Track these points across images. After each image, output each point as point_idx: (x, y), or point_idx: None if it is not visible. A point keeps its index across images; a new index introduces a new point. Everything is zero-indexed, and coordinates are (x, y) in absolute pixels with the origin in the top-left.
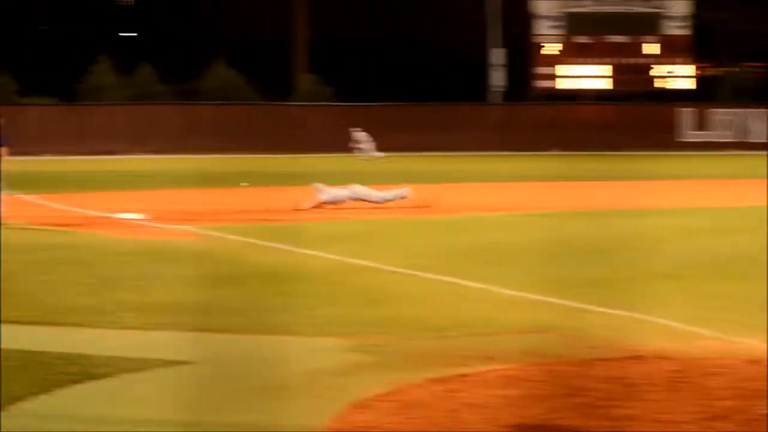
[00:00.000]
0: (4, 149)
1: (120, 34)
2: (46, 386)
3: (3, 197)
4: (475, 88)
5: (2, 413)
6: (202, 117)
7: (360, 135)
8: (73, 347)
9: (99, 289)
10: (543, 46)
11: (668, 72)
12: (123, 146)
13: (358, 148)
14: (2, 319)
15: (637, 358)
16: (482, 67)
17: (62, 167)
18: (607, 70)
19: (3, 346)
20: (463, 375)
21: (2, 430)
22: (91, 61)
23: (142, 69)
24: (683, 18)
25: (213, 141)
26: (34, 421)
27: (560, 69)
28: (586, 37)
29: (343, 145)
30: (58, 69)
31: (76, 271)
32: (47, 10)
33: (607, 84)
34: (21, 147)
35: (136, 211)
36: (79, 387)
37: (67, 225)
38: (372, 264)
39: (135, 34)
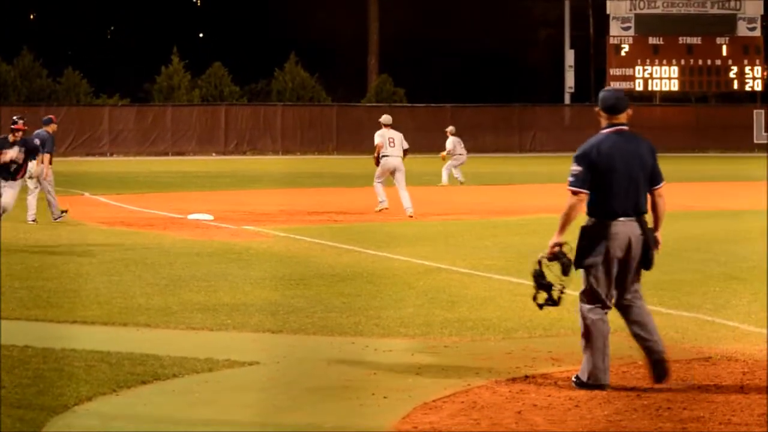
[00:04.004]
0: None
1: (192, 34)
2: (114, 386)
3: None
4: (546, 90)
5: (70, 413)
6: (273, 117)
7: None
8: (142, 348)
9: (167, 289)
10: (621, 47)
11: (744, 73)
12: (193, 147)
13: None
14: (71, 319)
15: (705, 360)
16: (557, 68)
17: (133, 168)
18: (681, 71)
19: (70, 347)
20: (530, 376)
21: (72, 429)
22: (163, 62)
23: (213, 70)
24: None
25: (283, 141)
26: (102, 421)
27: (635, 70)
28: (660, 38)
29: (419, 146)
30: (130, 70)
31: (145, 271)
32: (119, 12)
33: (681, 85)
34: (93, 147)
35: (205, 212)
36: (147, 387)
37: (137, 226)
38: (440, 265)
39: (207, 35)
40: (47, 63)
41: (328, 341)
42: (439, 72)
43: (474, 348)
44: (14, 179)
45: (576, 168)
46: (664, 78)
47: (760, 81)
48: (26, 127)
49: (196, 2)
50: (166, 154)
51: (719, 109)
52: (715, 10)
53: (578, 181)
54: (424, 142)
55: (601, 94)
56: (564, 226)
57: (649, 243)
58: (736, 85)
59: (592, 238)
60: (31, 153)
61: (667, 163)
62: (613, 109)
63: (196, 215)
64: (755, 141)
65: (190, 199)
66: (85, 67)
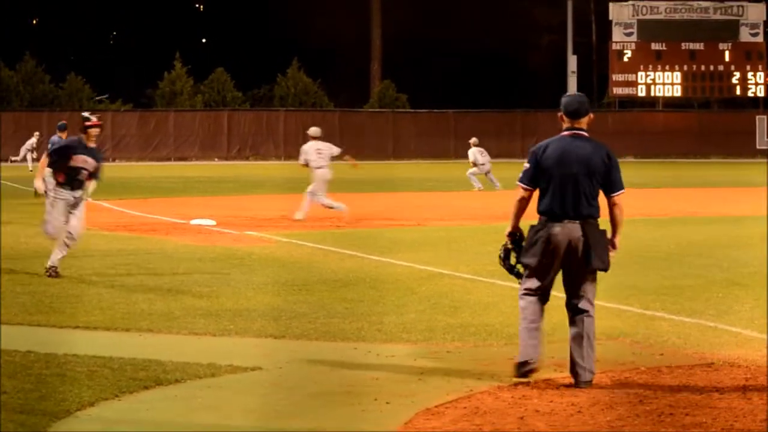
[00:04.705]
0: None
1: (194, 40)
2: (116, 392)
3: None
4: (548, 96)
5: (72, 418)
6: (275, 123)
7: None
8: (144, 353)
9: (170, 295)
10: (624, 53)
11: (746, 79)
12: (196, 152)
13: None
14: (73, 324)
15: (707, 365)
16: (559, 74)
17: (135, 173)
18: (683, 77)
19: (72, 352)
20: (532, 382)
21: None
22: (166, 68)
23: (216, 75)
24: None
25: (286, 147)
26: (105, 426)
27: (638, 76)
28: (662, 43)
29: (419, 151)
30: (133, 75)
31: (147, 277)
32: (121, 17)
33: (684, 91)
34: None
35: (207, 218)
36: (149, 393)
37: (139, 231)
38: (443, 271)
39: (209, 40)
40: (50, 68)
41: (331, 346)
42: (443, 78)
43: (477, 353)
44: (81, 188)
45: (525, 164)
46: (667, 84)
47: (762, 87)
48: (102, 122)
49: (199, 8)
50: (168, 159)
51: (722, 114)
52: (718, 16)
53: (524, 177)
54: (426, 147)
55: (564, 99)
56: (512, 217)
57: (590, 245)
58: (738, 91)
59: (532, 238)
60: (95, 172)
61: (669, 169)
62: (574, 113)
63: (198, 220)
64: (757, 147)
65: (193, 205)
66: (87, 73)
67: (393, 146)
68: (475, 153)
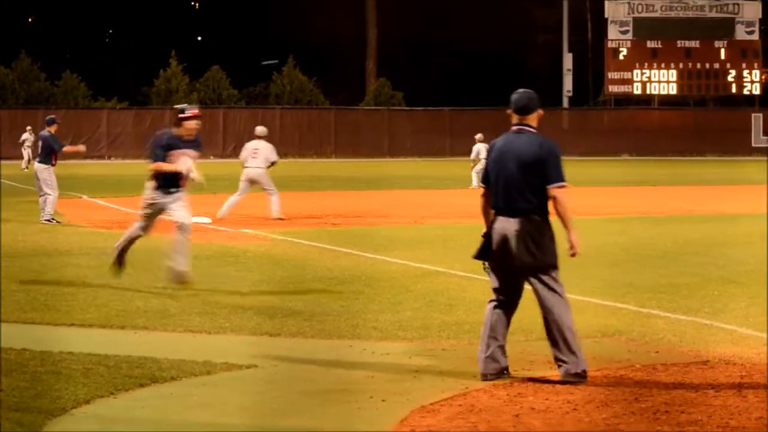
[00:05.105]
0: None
1: (190, 37)
2: (112, 389)
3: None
4: (544, 93)
5: (68, 416)
6: (271, 121)
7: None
8: (139, 351)
9: (165, 292)
10: (619, 51)
11: (742, 77)
12: None
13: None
14: (69, 322)
15: (703, 363)
16: (555, 72)
17: (131, 170)
18: (679, 74)
19: (68, 350)
20: (528, 380)
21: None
22: (162, 65)
23: (211, 73)
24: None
25: (282, 145)
26: (100, 424)
27: (634, 74)
28: (658, 41)
29: (414, 149)
30: (129, 73)
31: (143, 274)
32: (117, 15)
33: (679, 89)
34: (91, 150)
35: (203, 215)
36: (144, 390)
37: None
38: (438, 269)
39: (205, 38)
40: (45, 66)
41: (326, 344)
42: (438, 75)
43: (472, 351)
44: (178, 188)
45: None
46: (663, 81)
47: (758, 85)
48: (200, 114)
49: (194, 5)
50: None
51: (717, 112)
52: (714, 14)
53: (482, 176)
54: (422, 145)
55: (513, 96)
56: (482, 216)
57: (519, 239)
58: (734, 89)
59: (486, 233)
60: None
61: (665, 167)
62: (523, 110)
63: (194, 218)
64: (753, 144)
65: (188, 202)
66: (83, 70)
67: (389, 144)
68: (480, 148)
